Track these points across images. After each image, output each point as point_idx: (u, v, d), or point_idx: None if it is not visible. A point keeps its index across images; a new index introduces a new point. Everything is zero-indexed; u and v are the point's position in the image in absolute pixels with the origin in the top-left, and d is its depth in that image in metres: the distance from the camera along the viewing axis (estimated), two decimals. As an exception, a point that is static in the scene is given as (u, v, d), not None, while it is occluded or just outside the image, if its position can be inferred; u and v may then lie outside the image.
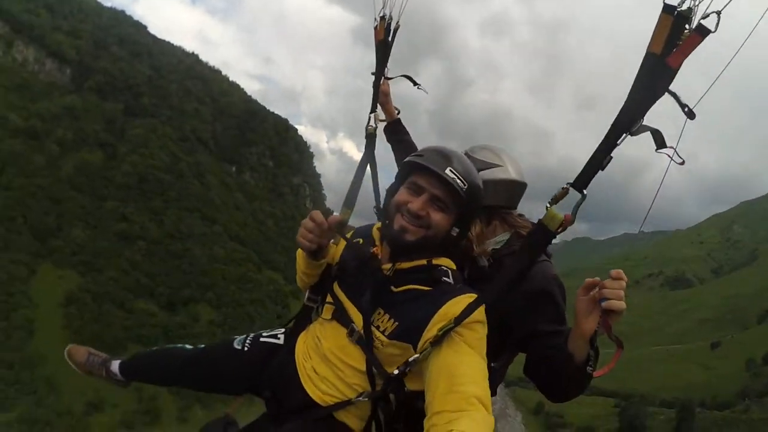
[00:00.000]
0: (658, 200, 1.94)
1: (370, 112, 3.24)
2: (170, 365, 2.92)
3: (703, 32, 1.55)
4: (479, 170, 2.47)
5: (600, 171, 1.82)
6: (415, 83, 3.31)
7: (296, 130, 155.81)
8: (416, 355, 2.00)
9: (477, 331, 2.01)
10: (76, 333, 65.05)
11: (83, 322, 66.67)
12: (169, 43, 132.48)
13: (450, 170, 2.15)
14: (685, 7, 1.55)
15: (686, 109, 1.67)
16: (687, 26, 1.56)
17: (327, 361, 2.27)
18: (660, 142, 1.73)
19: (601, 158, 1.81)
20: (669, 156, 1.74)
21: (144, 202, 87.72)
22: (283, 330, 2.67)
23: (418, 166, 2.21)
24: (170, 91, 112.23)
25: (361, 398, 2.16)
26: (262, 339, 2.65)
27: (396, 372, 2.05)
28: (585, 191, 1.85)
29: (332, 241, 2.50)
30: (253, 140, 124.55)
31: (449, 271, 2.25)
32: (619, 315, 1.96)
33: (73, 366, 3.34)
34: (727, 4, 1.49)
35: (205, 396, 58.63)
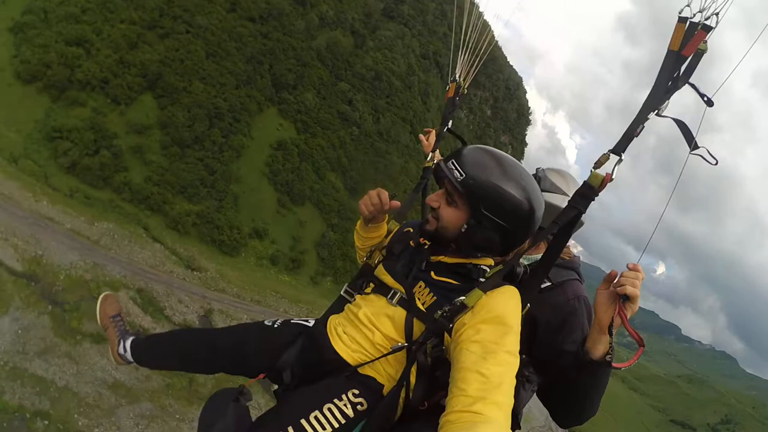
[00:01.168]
0: None
1: (432, 150, 3.84)
2: (192, 343, 2.93)
3: (706, 29, 2.10)
4: (544, 191, 2.64)
5: (634, 138, 2.15)
6: (463, 142, 3.27)
7: (525, 91, 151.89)
8: (461, 297, 2.14)
9: (513, 332, 2.06)
10: (273, 174, 72.18)
11: (282, 168, 73.05)
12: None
13: (451, 162, 2.32)
14: (695, 19, 2.12)
15: (705, 98, 2.13)
16: (696, 29, 2.11)
17: (358, 324, 2.41)
18: (690, 137, 2.11)
19: (633, 128, 2.16)
20: (702, 156, 2.09)
21: (371, 97, 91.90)
22: (314, 319, 2.76)
23: (437, 166, 2.43)
24: (429, 8, 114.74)
25: (399, 346, 2.26)
26: (293, 321, 2.74)
27: (439, 313, 2.17)
28: (623, 155, 2.16)
29: (387, 220, 2.93)
30: (482, 83, 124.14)
31: (487, 269, 2.39)
32: (634, 304, 2.12)
33: (98, 311, 3.45)
34: (721, 7, 2.05)
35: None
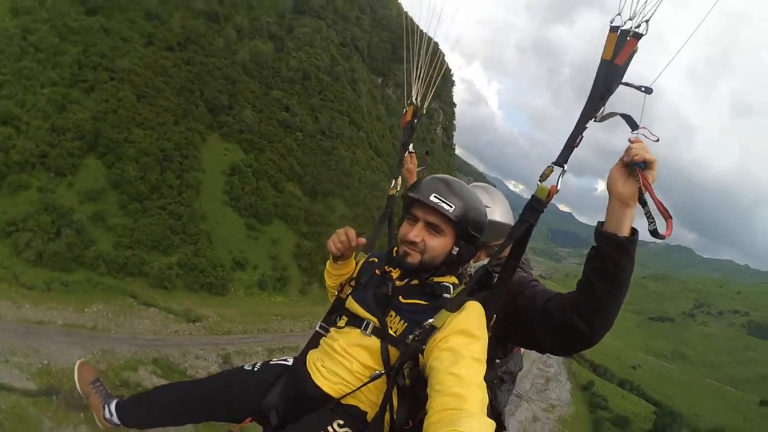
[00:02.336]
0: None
1: (394, 177, 3.80)
2: (176, 399, 2.93)
3: (637, 36, 2.20)
4: None
5: (574, 149, 2.28)
6: (427, 154, 4.15)
7: (444, 55, 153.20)
8: (430, 320, 2.29)
9: (479, 340, 2.20)
10: (234, 200, 72.00)
11: (242, 192, 72.88)
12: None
13: (434, 196, 2.44)
14: (626, 26, 2.21)
15: (642, 89, 2.23)
16: (627, 37, 2.20)
17: (336, 356, 2.50)
18: (632, 123, 2.22)
19: (573, 139, 2.27)
20: (645, 136, 2.17)
21: (305, 98, 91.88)
22: (292, 358, 2.86)
23: (411, 199, 2.54)
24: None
25: (377, 374, 2.35)
26: (272, 362, 2.83)
27: (411, 337, 2.30)
28: (565, 166, 2.28)
29: (354, 255, 3.04)
30: (402, 58, 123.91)
31: (450, 287, 2.53)
32: (653, 170, 2.11)
33: (77, 380, 3.43)
34: (651, 14, 2.13)
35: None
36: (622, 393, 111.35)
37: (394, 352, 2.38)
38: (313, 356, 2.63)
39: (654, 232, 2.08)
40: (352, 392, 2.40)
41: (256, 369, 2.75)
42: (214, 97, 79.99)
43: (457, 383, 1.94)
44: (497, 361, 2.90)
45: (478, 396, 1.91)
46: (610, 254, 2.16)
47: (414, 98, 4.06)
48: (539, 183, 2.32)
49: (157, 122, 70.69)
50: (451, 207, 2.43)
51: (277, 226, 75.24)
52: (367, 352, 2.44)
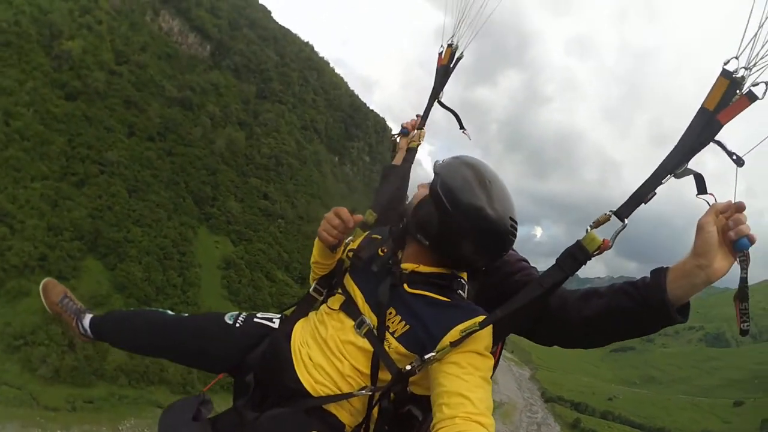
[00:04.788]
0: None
1: (418, 128, 3.29)
2: (148, 329, 2.71)
3: (751, 98, 1.75)
4: None
5: (643, 204, 1.90)
6: (461, 126, 3.28)
7: (392, 129, 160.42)
8: (432, 354, 1.98)
9: (488, 358, 2.00)
10: (233, 294, 71.89)
11: (240, 285, 73.01)
12: (289, 30, 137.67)
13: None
14: (739, 75, 1.74)
15: (734, 157, 1.79)
16: (739, 91, 1.76)
17: (326, 350, 2.21)
18: (701, 186, 1.86)
19: (645, 192, 1.89)
20: (707, 202, 1.82)
21: (280, 184, 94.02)
22: (279, 316, 2.56)
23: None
24: (293, 78, 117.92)
25: (363, 392, 2.10)
26: (256, 319, 2.52)
27: (408, 368, 2.02)
28: (626, 221, 1.88)
29: (350, 237, 2.52)
30: (355, 135, 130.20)
31: (465, 285, 2.30)
32: (748, 259, 1.73)
33: (44, 301, 3.18)
34: (762, 59, 1.69)
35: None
36: (608, 424, 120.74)
37: (384, 369, 2.12)
38: (300, 337, 2.32)
39: (745, 332, 1.74)
40: (336, 399, 2.15)
41: (238, 324, 2.47)
42: (198, 189, 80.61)
43: (465, 404, 1.81)
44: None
45: (488, 421, 1.78)
46: (656, 319, 1.90)
47: (454, 39, 3.30)
48: (589, 228, 1.92)
49: (152, 219, 70.38)
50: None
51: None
52: (361, 355, 2.15)
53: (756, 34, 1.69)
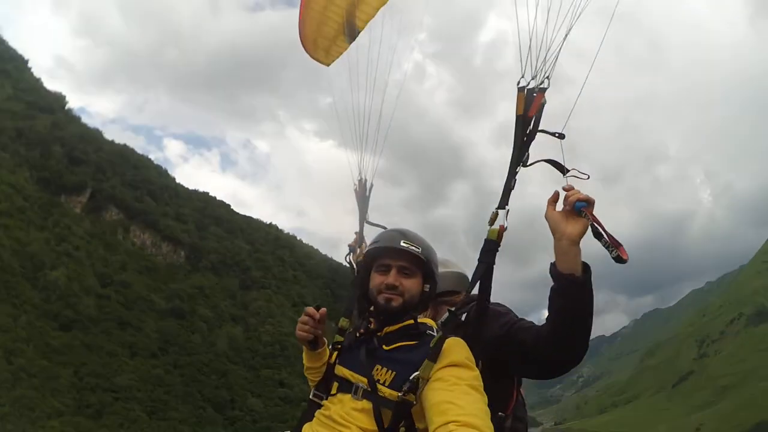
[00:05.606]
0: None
1: (359, 244, 3.83)
2: None
3: (543, 90, 2.57)
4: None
5: (511, 190, 2.53)
6: (383, 227, 3.73)
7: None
8: (416, 373, 2.26)
9: (470, 369, 2.29)
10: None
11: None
12: (251, 217, 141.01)
13: (403, 242, 2.63)
14: (531, 85, 2.57)
15: (557, 134, 2.54)
16: (535, 93, 2.56)
17: (333, 425, 2.42)
18: (559, 167, 2.49)
19: (508, 184, 2.53)
20: (575, 176, 2.43)
21: (291, 367, 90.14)
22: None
23: (378, 251, 2.70)
24: (269, 262, 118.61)
25: None
26: None
27: (400, 394, 2.28)
28: (507, 207, 2.49)
29: (327, 345, 2.93)
30: (341, 295, 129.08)
31: (432, 327, 2.64)
32: (592, 206, 2.28)
33: None
34: (551, 71, 2.56)
35: None
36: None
37: (387, 413, 2.32)
38: (309, 429, 2.54)
39: (618, 258, 2.18)
40: None
41: None
42: (214, 395, 76.48)
43: (453, 409, 2.00)
44: (500, 414, 2.79)
45: (479, 422, 1.94)
46: (573, 293, 2.28)
47: (361, 174, 4.04)
48: (489, 227, 2.46)
49: (179, 440, 64.64)
50: (419, 249, 2.62)
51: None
52: (364, 415, 2.36)
53: (527, 58, 2.55)
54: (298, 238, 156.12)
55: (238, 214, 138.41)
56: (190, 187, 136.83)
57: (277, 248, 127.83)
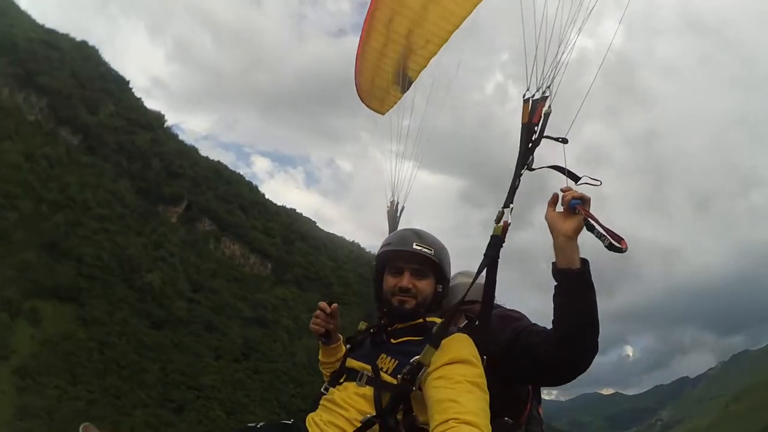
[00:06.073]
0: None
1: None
2: None
3: (543, 100, 2.73)
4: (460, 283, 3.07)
5: (517, 189, 2.64)
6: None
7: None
8: (417, 357, 2.30)
9: (474, 366, 2.28)
10: None
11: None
12: (335, 235, 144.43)
13: (416, 244, 2.65)
14: (536, 96, 2.75)
15: (560, 139, 2.66)
16: (540, 103, 2.72)
17: (334, 408, 2.48)
18: (571, 175, 2.57)
19: (513, 186, 2.65)
20: (588, 183, 2.51)
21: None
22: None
23: (390, 254, 2.72)
24: (350, 279, 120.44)
25: (368, 417, 2.32)
26: (273, 423, 2.82)
27: (399, 377, 2.32)
28: (512, 205, 2.60)
29: (343, 341, 3.12)
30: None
31: (438, 323, 2.55)
32: (588, 204, 2.38)
33: None
34: (551, 81, 2.73)
35: None
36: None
37: (386, 396, 2.36)
38: (312, 416, 2.58)
39: (611, 246, 2.23)
40: None
41: (258, 426, 2.70)
42: (290, 403, 77.88)
43: (455, 407, 2.01)
44: (507, 419, 2.78)
45: (478, 420, 1.96)
46: (572, 287, 2.34)
47: (393, 196, 4.24)
48: (495, 224, 2.59)
49: None
50: (431, 250, 2.66)
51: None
52: (364, 400, 2.41)
53: (532, 71, 2.76)
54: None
55: (322, 230, 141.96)
56: (278, 203, 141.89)
57: (358, 266, 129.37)
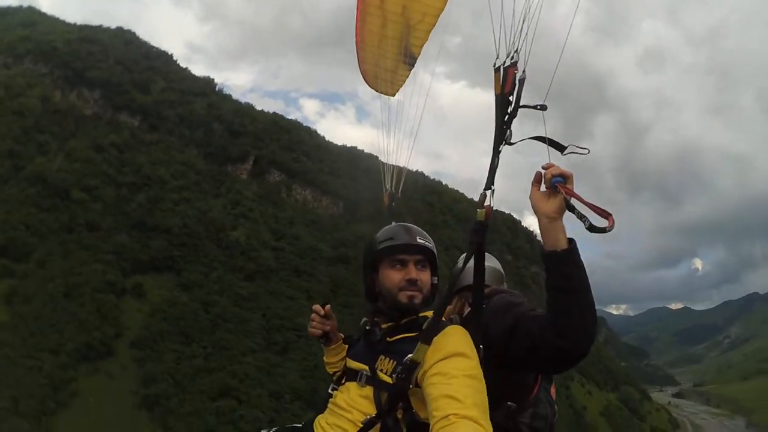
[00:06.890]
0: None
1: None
2: None
3: (514, 65, 2.56)
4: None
5: (497, 168, 2.51)
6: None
7: (520, 222, 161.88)
8: (410, 356, 2.29)
9: (469, 358, 2.24)
10: None
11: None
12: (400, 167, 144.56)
13: (419, 238, 2.65)
14: (507, 64, 2.56)
15: (538, 107, 2.49)
16: (513, 69, 2.54)
17: (338, 411, 2.52)
18: (556, 145, 2.42)
19: (493, 164, 2.51)
20: (574, 152, 2.38)
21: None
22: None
23: (395, 249, 2.64)
24: (419, 208, 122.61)
25: (368, 418, 2.35)
26: (286, 426, 2.92)
27: (394, 375, 2.35)
28: (493, 187, 2.47)
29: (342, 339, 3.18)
30: (490, 239, 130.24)
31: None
32: (571, 181, 2.26)
33: None
34: (519, 44, 2.54)
35: None
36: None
37: (385, 396, 2.38)
38: (320, 418, 2.65)
39: (591, 228, 2.14)
40: None
41: (271, 431, 2.85)
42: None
43: (454, 402, 2.00)
44: (510, 404, 2.67)
45: (477, 414, 1.96)
46: (560, 269, 2.25)
47: (390, 186, 4.59)
48: (477, 210, 2.48)
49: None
50: (431, 243, 2.67)
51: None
52: (367, 401, 2.43)
53: (500, 34, 2.58)
54: (443, 183, 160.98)
55: (384, 164, 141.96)
56: (338, 143, 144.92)
57: (425, 194, 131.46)
